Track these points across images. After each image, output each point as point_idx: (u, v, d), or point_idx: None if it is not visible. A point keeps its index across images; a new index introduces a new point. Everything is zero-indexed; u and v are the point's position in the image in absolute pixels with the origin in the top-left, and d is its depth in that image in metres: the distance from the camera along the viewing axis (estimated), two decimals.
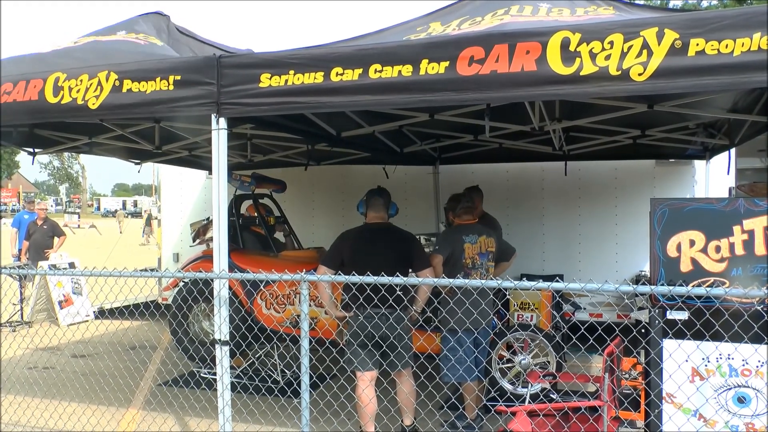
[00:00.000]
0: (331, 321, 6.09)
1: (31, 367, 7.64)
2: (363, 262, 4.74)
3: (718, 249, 3.80)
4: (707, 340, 3.71)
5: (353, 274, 4.08)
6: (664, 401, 3.88)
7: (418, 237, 7.40)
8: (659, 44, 3.42)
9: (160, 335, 9.37)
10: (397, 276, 3.87)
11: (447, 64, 3.74)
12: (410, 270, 5.15)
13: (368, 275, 3.92)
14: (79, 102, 4.59)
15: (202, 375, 7.03)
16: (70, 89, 4.62)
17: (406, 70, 3.82)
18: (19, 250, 11.97)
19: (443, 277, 5.28)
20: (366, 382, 4.97)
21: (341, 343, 5.17)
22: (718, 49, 3.33)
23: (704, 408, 3.79)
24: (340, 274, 4.81)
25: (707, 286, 3.66)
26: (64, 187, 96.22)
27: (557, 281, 3.65)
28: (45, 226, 11.92)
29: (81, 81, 4.60)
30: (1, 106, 4.83)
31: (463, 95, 3.77)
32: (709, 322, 3.68)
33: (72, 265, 11.47)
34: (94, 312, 11.33)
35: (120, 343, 8.96)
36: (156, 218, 35.71)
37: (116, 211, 59.36)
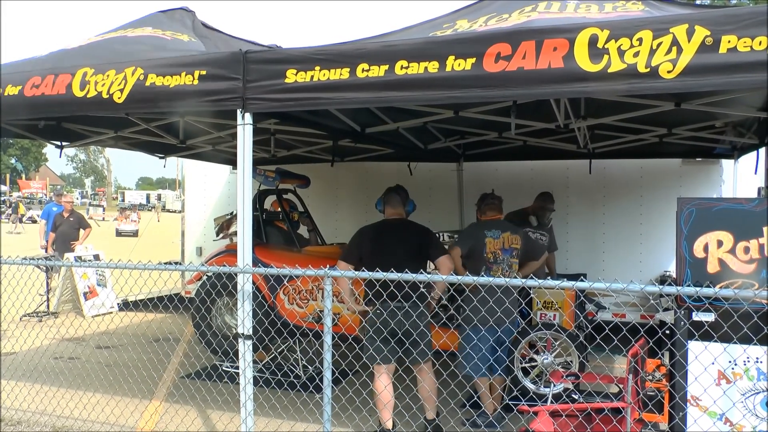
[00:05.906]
0: (354, 317, 6.11)
1: (56, 357, 7.74)
2: (381, 255, 4.95)
3: (747, 250, 3.74)
4: (735, 342, 3.65)
5: (377, 270, 4.10)
6: (688, 404, 3.83)
7: (440, 234, 7.40)
8: (689, 41, 3.36)
9: (183, 328, 9.44)
10: (421, 273, 3.86)
11: (473, 60, 3.71)
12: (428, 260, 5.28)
13: (392, 271, 3.93)
14: (105, 96, 4.61)
15: (224, 368, 7.08)
16: (96, 83, 4.65)
17: (433, 67, 3.80)
18: (47, 242, 12.14)
19: (466, 274, 5.28)
20: (383, 372, 5.10)
21: (363, 339, 5.20)
22: (751, 46, 3.26)
23: (731, 412, 3.73)
24: (363, 270, 4.84)
25: (735, 288, 3.61)
26: (90, 180, 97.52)
27: (582, 280, 3.61)
28: (71, 219, 12.07)
29: (108, 76, 4.62)
30: (29, 99, 4.88)
31: (490, 92, 3.75)
32: (737, 324, 3.61)
33: (97, 257, 11.61)
34: (118, 304, 11.47)
35: (144, 335, 9.04)
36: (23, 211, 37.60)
37: (141, 205, 60.38)
